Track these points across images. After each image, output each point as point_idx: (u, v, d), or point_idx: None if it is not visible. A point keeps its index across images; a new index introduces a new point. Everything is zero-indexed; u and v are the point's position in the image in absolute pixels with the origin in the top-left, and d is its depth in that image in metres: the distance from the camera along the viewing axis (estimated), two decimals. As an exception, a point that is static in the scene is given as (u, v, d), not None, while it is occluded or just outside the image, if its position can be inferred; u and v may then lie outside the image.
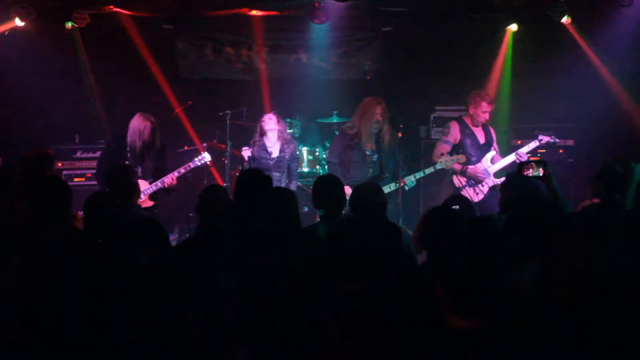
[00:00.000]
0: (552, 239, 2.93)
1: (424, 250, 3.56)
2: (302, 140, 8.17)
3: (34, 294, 2.98)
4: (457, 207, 4.30)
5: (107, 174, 5.14)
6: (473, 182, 6.54)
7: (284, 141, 6.89)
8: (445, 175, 6.63)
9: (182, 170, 6.22)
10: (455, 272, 2.05)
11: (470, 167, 6.49)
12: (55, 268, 3.11)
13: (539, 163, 4.37)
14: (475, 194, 6.51)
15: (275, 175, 6.63)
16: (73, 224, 4.12)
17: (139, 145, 6.08)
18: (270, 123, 6.86)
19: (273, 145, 6.87)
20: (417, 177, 6.38)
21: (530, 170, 4.35)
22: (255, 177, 4.53)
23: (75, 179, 7.70)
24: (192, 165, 6.28)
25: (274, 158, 6.82)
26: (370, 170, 6.49)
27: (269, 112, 7.03)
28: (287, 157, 6.85)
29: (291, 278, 3.32)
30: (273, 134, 6.85)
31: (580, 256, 2.76)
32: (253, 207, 4.02)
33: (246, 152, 6.86)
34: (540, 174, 4.33)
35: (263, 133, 6.86)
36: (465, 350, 2.01)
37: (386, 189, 6.22)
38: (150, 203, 6.07)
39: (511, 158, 6.51)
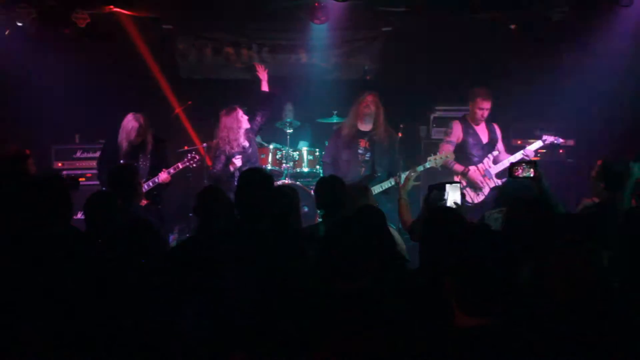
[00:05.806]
0: (550, 238, 2.93)
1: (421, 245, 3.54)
2: (296, 138, 8.17)
3: (34, 293, 2.98)
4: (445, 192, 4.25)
5: (108, 174, 5.14)
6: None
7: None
8: (446, 176, 6.62)
9: (172, 171, 6.24)
10: (461, 271, 2.05)
11: (472, 169, 6.48)
12: (54, 268, 3.11)
13: (529, 164, 4.35)
14: (476, 195, 6.51)
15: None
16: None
17: (125, 145, 6.11)
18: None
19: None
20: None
21: (521, 170, 4.33)
22: (257, 176, 4.51)
23: (75, 179, 7.68)
24: (180, 165, 6.29)
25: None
26: (363, 169, 6.49)
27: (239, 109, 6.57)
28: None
29: (291, 278, 3.32)
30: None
31: (579, 256, 2.75)
32: (253, 207, 4.01)
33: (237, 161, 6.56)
34: (531, 175, 4.31)
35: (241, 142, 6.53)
36: (473, 348, 2.01)
37: (377, 188, 6.21)
38: (145, 201, 6.06)
39: (517, 157, 6.48)
